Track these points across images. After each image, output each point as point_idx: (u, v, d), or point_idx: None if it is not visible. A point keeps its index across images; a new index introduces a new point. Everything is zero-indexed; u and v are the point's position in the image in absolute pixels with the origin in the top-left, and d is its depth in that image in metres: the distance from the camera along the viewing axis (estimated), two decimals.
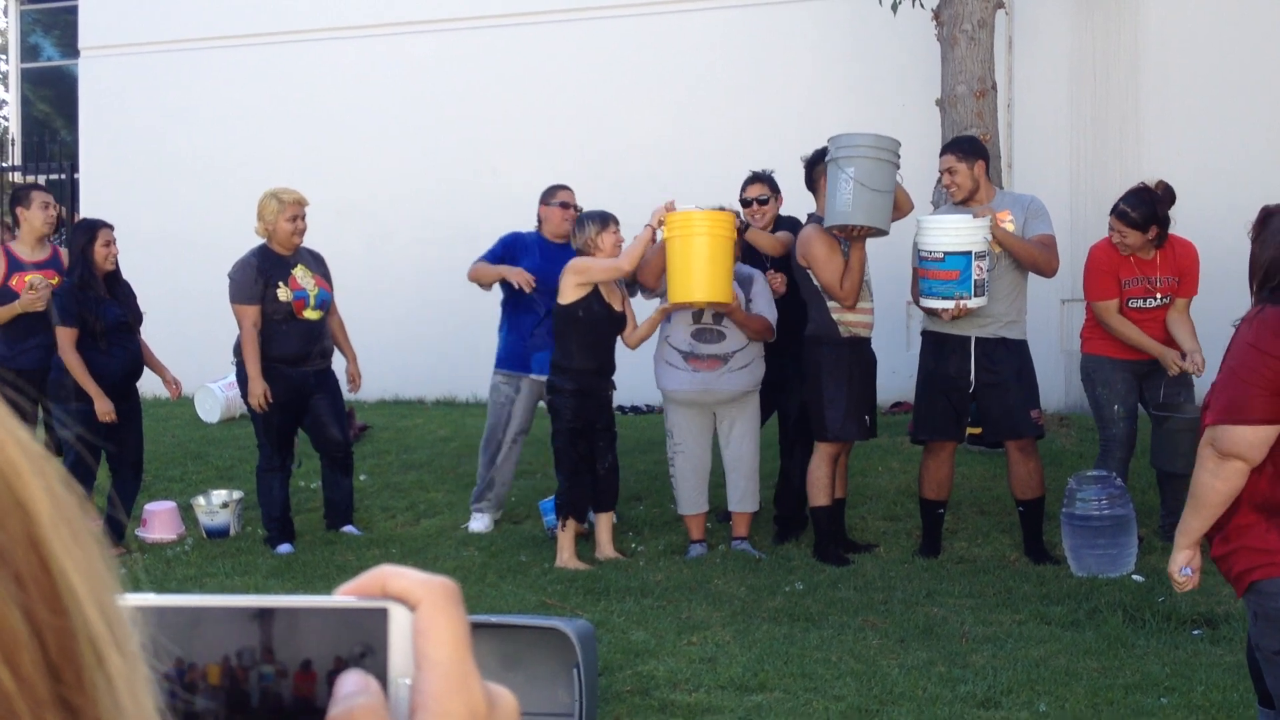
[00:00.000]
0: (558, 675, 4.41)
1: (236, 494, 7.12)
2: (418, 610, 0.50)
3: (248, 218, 11.04)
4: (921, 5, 8.07)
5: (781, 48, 9.76)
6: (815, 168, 6.35)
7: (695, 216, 6.11)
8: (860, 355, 6.35)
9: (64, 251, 6.97)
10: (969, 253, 5.86)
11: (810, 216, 6.52)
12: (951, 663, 4.94)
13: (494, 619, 4.60)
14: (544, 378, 6.62)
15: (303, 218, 6.63)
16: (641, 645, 5.23)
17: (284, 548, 6.69)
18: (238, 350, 6.67)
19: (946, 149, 6.44)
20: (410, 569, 0.52)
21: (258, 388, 6.47)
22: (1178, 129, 9.02)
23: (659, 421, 9.16)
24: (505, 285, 6.84)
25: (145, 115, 11.37)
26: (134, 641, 0.43)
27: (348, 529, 6.96)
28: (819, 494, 6.33)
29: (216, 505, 6.95)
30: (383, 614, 0.51)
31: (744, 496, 6.54)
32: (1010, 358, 6.15)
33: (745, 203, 7.12)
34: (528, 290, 6.64)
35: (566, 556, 6.33)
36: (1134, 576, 5.81)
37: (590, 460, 6.36)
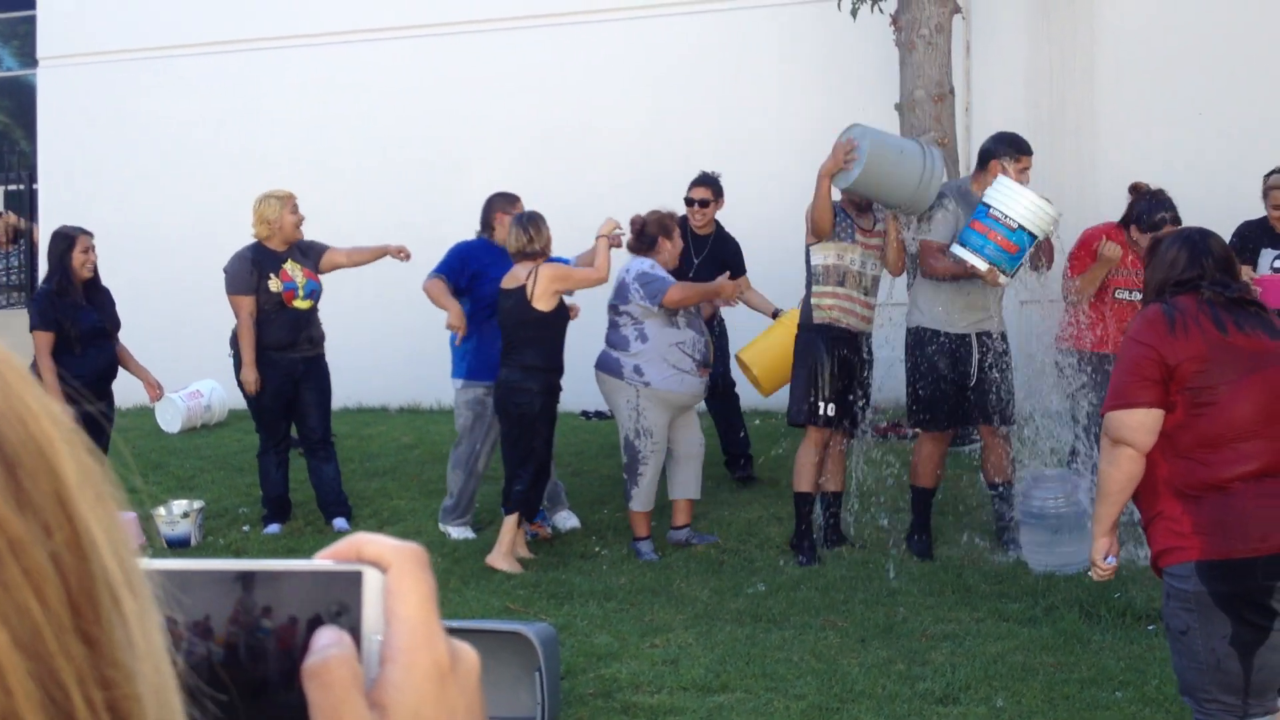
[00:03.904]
0: (520, 679, 4.42)
1: (197, 503, 7.10)
2: (389, 573, 0.55)
3: (209, 227, 11.06)
4: (880, 10, 8.14)
5: (749, 52, 9.82)
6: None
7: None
8: (832, 342, 6.39)
9: None
10: (1035, 238, 5.85)
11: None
12: (911, 660, 4.99)
13: (456, 624, 4.61)
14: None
15: (299, 208, 7.01)
16: (604, 648, 5.25)
17: (272, 528, 7.07)
18: (233, 342, 7.05)
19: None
20: (383, 535, 0.56)
21: (250, 373, 6.85)
22: (1133, 131, 9.14)
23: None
24: (472, 298, 6.83)
25: (104, 124, 11.30)
26: (146, 587, 0.47)
27: (337, 521, 7.08)
28: (799, 479, 6.48)
29: (177, 515, 6.92)
30: (357, 576, 0.55)
31: (694, 482, 6.69)
32: (1005, 350, 6.34)
33: (688, 202, 7.25)
34: (462, 337, 6.78)
35: (505, 553, 6.33)
36: (1090, 573, 5.86)
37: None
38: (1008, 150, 6.17)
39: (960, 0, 8.24)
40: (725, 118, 9.89)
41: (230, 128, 10.97)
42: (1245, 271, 6.11)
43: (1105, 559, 3.55)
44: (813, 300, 6.44)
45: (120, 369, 6.88)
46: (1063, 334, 6.53)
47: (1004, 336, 6.36)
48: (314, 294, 7.04)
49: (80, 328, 6.57)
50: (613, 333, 6.66)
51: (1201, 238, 3.55)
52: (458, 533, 6.91)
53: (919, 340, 6.30)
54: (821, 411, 6.40)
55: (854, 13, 8.15)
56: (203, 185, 11.02)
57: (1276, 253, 6.43)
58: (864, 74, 9.30)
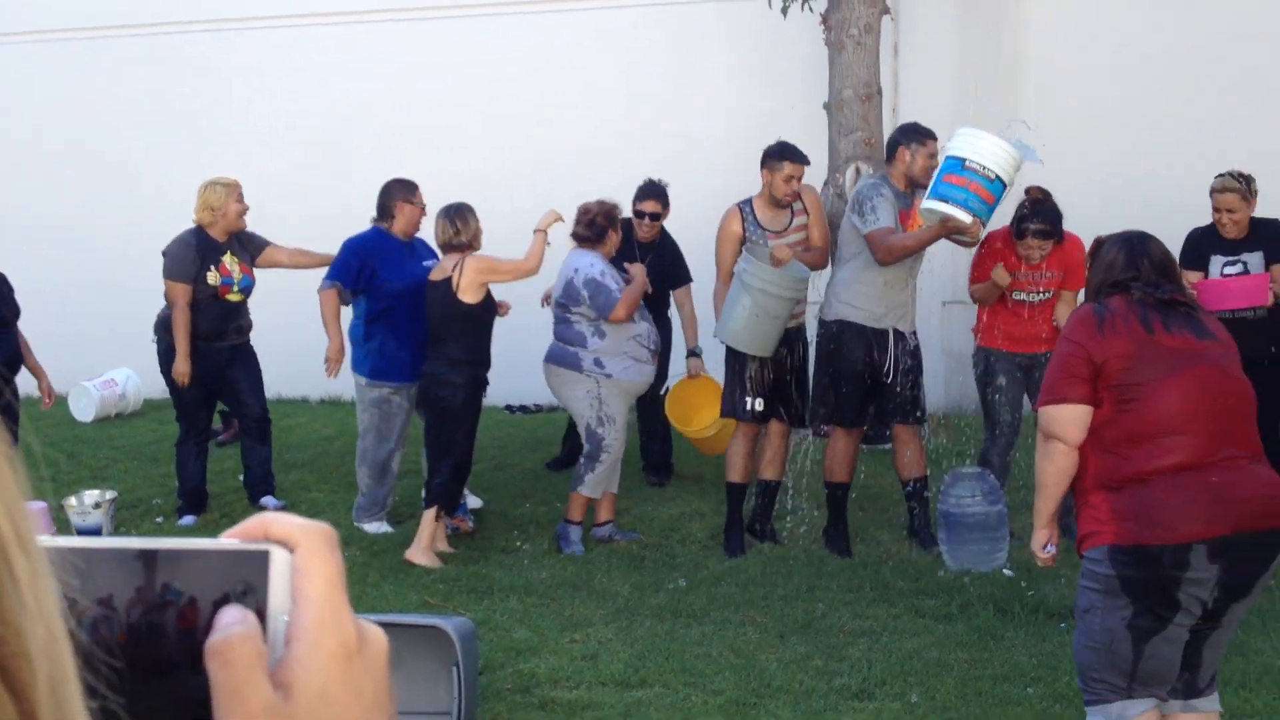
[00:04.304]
0: (438, 674, 4.39)
1: (110, 494, 6.96)
2: (296, 552, 0.54)
3: (128, 211, 10.83)
4: (810, 9, 8.18)
5: (690, 47, 9.81)
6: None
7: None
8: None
9: None
10: (1005, 186, 5.75)
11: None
12: (828, 656, 5.02)
13: (374, 617, 4.56)
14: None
15: (244, 197, 6.93)
16: (524, 643, 5.23)
17: (187, 519, 7.00)
18: (158, 328, 6.96)
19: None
20: (291, 515, 0.56)
21: (183, 365, 6.75)
22: (1057, 135, 9.27)
23: (546, 421, 9.16)
24: (370, 296, 6.65)
25: (21, 106, 11.01)
26: (38, 546, 0.47)
27: (266, 500, 7.11)
28: (729, 469, 6.56)
29: (89, 505, 6.78)
30: (264, 556, 0.54)
31: (615, 477, 6.66)
32: (917, 347, 6.41)
33: (637, 214, 7.18)
34: (333, 376, 6.84)
35: (424, 548, 6.29)
36: (1005, 571, 5.96)
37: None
38: (913, 137, 6.23)
39: (889, 1, 8.31)
40: (657, 112, 9.88)
41: (142, 112, 10.73)
42: (1192, 276, 6.26)
43: (1044, 548, 3.66)
44: None
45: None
46: (975, 329, 6.69)
47: (915, 334, 6.43)
48: (247, 289, 7.00)
49: None
50: (565, 328, 6.55)
51: (1140, 241, 3.65)
52: (373, 528, 6.83)
53: (838, 333, 6.31)
54: (749, 407, 6.46)
55: (784, 10, 8.18)
56: (125, 170, 10.78)
57: (1227, 259, 6.54)
58: (795, 71, 9.35)
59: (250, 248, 7.04)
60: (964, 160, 5.69)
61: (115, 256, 10.78)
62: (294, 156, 10.27)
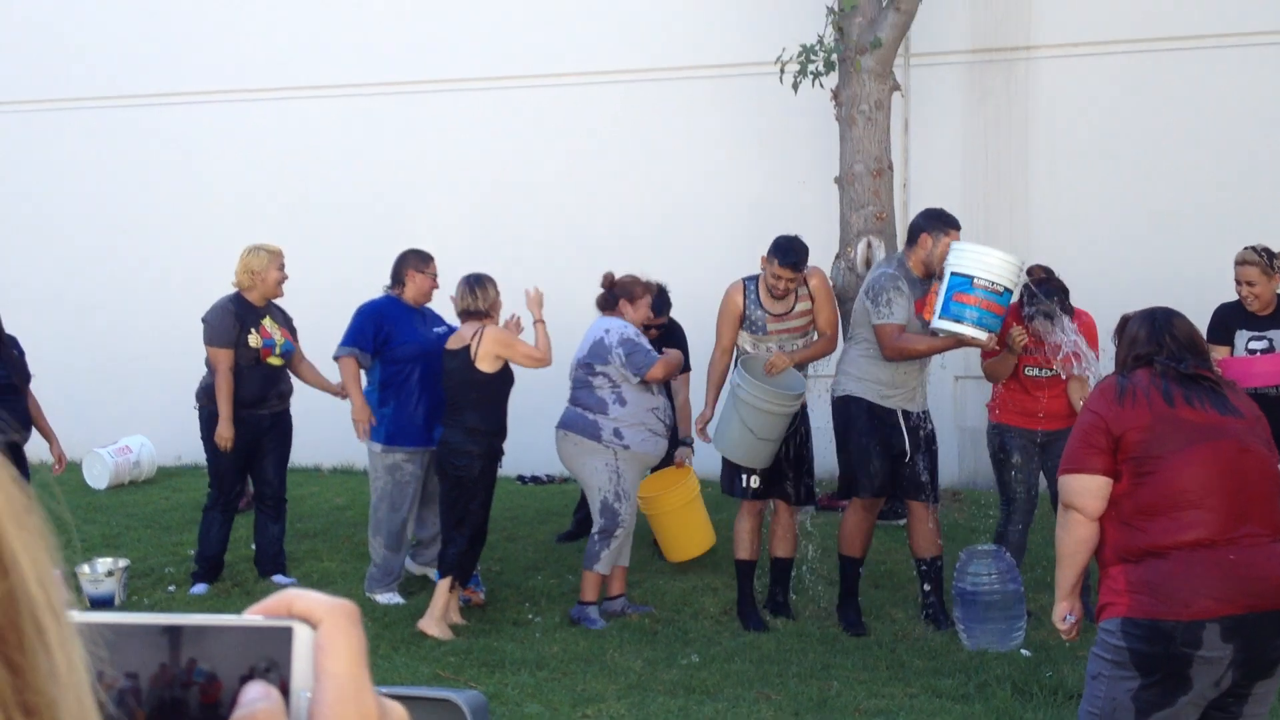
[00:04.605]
0: None
1: (122, 561, 6.94)
2: (319, 628, 0.55)
3: (136, 279, 10.92)
4: (821, 85, 8.28)
5: (693, 120, 9.93)
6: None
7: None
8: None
9: None
10: (1011, 293, 5.90)
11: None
12: None
13: (386, 690, 4.52)
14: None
15: (284, 267, 6.97)
16: (536, 718, 5.18)
17: (199, 588, 6.95)
18: (200, 395, 6.96)
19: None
20: (314, 591, 0.56)
21: (227, 430, 6.75)
22: (1065, 210, 9.35)
23: (558, 492, 9.15)
24: (384, 361, 6.73)
25: (29, 173, 11.14)
26: (68, 611, 0.47)
27: (277, 578, 7.05)
28: (736, 547, 6.56)
29: (101, 573, 6.75)
30: (287, 632, 0.55)
31: (626, 550, 6.63)
32: (932, 430, 6.40)
33: (644, 328, 7.10)
34: (363, 438, 6.81)
35: (437, 618, 6.24)
36: (1022, 651, 5.91)
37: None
38: (938, 225, 6.26)
39: (900, 77, 8.41)
40: (668, 184, 9.98)
41: (162, 180, 10.86)
42: (1219, 352, 6.26)
43: (1064, 620, 3.64)
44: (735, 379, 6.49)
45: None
46: (990, 405, 6.68)
47: (927, 414, 6.41)
48: (288, 354, 7.01)
49: None
50: (585, 393, 6.52)
51: (1165, 316, 3.68)
52: (385, 598, 6.80)
53: (847, 407, 6.32)
54: (745, 484, 6.48)
55: (795, 86, 8.28)
56: (135, 237, 10.88)
57: (1252, 334, 6.53)
58: (804, 146, 9.44)
59: (285, 321, 7.07)
60: (972, 278, 5.82)
61: (127, 323, 10.85)
62: (288, 225, 10.35)
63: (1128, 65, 9.23)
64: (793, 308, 6.50)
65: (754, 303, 6.50)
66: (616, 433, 6.43)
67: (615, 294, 6.58)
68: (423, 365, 6.66)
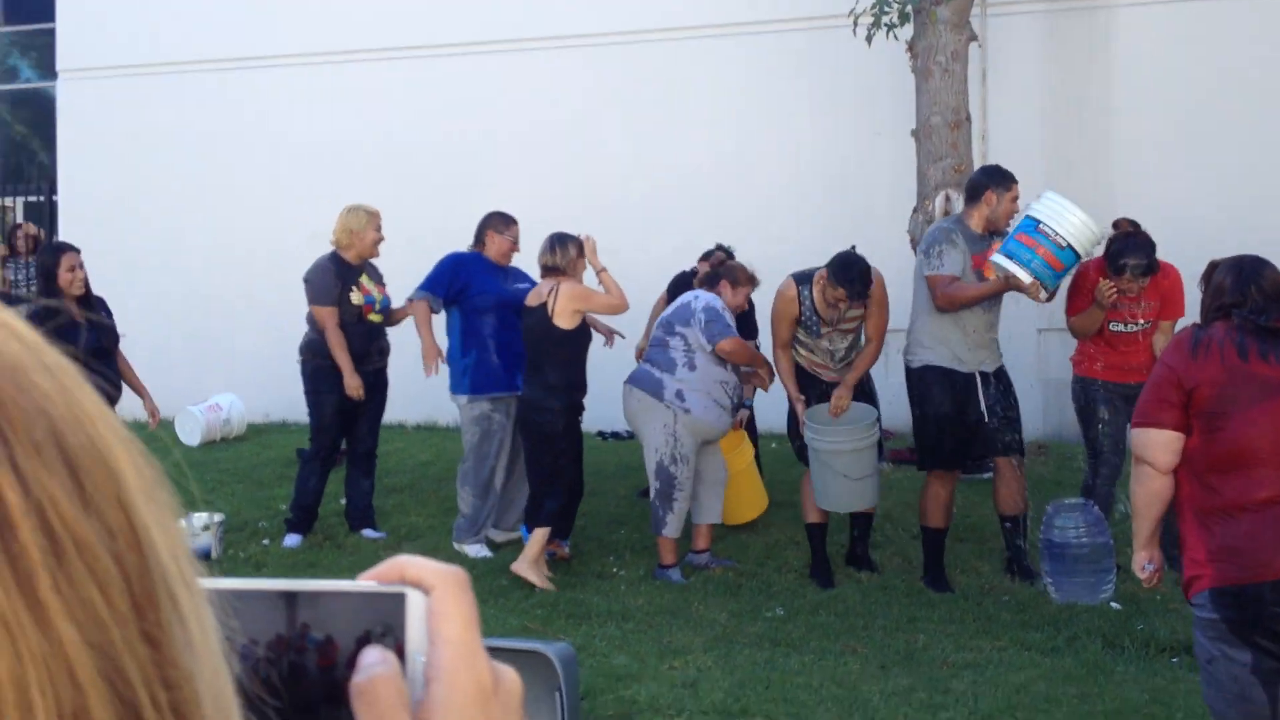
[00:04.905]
0: (540, 699, 4.40)
1: (218, 516, 7.11)
2: (432, 594, 0.56)
3: (227, 239, 11.10)
4: (895, 37, 8.16)
5: (770, 75, 9.85)
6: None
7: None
8: (812, 389, 6.55)
9: None
10: (1079, 256, 5.80)
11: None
12: (933, 689, 4.97)
13: None
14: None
15: (381, 228, 7.07)
16: (623, 670, 5.24)
17: (291, 539, 7.10)
18: (304, 349, 7.08)
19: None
20: (425, 558, 0.57)
21: (354, 379, 6.87)
22: (1149, 159, 9.16)
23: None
24: (463, 310, 6.87)
25: (124, 138, 11.36)
26: (201, 588, 0.48)
27: (366, 532, 7.21)
28: (805, 510, 6.58)
29: (198, 528, 6.93)
30: (400, 598, 0.56)
31: (716, 507, 6.70)
32: (1009, 385, 6.32)
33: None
34: (431, 373, 6.89)
35: (532, 561, 6.31)
36: (1112, 604, 5.86)
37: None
38: (999, 181, 6.18)
39: (976, 28, 8.26)
40: (742, 141, 9.92)
41: (248, 142, 11.02)
42: None
43: (1143, 568, 3.62)
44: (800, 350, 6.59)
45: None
46: (1074, 359, 6.60)
47: (1003, 371, 6.32)
48: (386, 310, 7.12)
49: (76, 348, 6.41)
50: (659, 352, 6.55)
51: (1253, 266, 3.57)
52: (474, 551, 6.90)
53: (922, 377, 6.24)
54: (795, 448, 6.65)
55: (869, 39, 8.17)
56: (222, 198, 11.07)
57: None
58: (880, 100, 9.33)
59: (379, 280, 7.17)
60: (1039, 223, 5.72)
61: (219, 282, 11.06)
62: (371, 186, 10.45)
63: (1209, 12, 8.99)
64: (845, 310, 6.46)
65: (808, 308, 6.47)
66: (679, 394, 6.44)
67: (720, 273, 6.67)
68: (502, 314, 6.82)
